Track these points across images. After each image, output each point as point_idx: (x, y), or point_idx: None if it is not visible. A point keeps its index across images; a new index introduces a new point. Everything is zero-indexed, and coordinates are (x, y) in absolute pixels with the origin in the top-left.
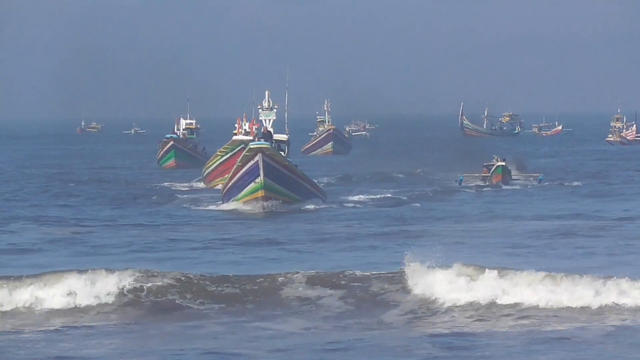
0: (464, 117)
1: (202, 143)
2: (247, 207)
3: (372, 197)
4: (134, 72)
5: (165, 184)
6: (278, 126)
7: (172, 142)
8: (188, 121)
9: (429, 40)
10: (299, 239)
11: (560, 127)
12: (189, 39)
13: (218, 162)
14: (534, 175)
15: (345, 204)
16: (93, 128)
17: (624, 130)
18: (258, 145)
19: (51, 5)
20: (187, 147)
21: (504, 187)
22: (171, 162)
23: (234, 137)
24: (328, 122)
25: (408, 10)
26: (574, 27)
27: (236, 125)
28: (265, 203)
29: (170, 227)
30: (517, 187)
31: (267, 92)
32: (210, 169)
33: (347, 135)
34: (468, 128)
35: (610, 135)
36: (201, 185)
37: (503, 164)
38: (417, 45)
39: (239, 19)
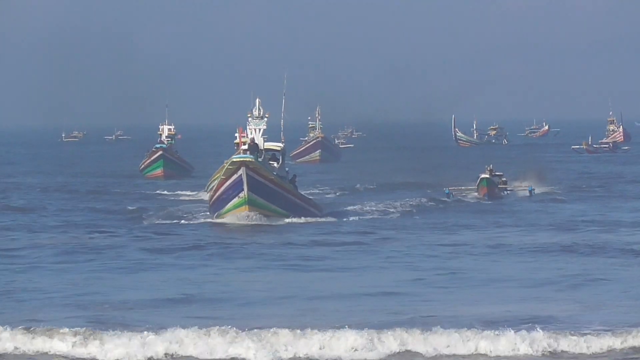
0: (457, 129)
1: (178, 149)
2: (232, 220)
3: (371, 209)
4: (113, 79)
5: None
6: (273, 133)
7: (161, 152)
8: (167, 127)
9: (418, 45)
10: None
11: (546, 127)
12: (168, 46)
13: None
14: (524, 186)
15: (344, 218)
16: (75, 137)
17: (612, 133)
18: (241, 159)
19: (28, 10)
20: (174, 155)
21: (489, 201)
22: (159, 171)
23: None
24: (318, 130)
25: (395, 15)
26: (561, 34)
27: (236, 134)
28: (249, 214)
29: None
30: (505, 199)
31: (257, 100)
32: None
33: (335, 142)
34: (462, 140)
35: (575, 145)
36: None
37: (487, 176)
38: (404, 51)
39: (216, 25)
